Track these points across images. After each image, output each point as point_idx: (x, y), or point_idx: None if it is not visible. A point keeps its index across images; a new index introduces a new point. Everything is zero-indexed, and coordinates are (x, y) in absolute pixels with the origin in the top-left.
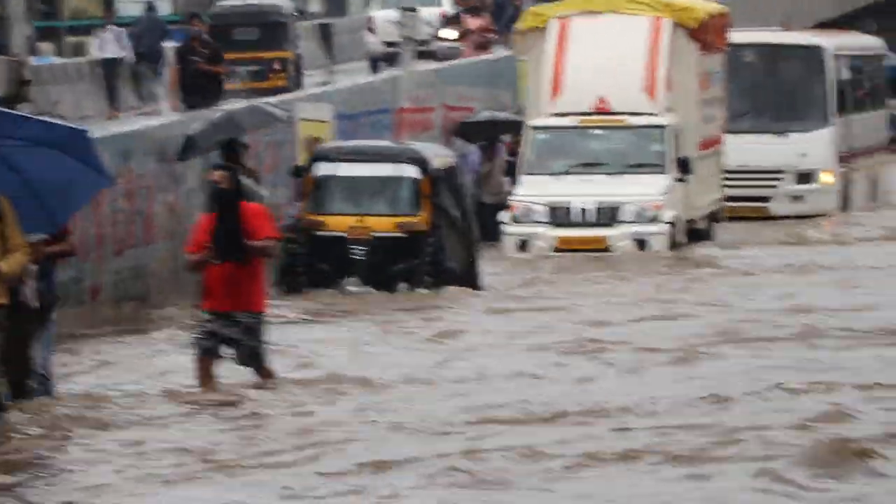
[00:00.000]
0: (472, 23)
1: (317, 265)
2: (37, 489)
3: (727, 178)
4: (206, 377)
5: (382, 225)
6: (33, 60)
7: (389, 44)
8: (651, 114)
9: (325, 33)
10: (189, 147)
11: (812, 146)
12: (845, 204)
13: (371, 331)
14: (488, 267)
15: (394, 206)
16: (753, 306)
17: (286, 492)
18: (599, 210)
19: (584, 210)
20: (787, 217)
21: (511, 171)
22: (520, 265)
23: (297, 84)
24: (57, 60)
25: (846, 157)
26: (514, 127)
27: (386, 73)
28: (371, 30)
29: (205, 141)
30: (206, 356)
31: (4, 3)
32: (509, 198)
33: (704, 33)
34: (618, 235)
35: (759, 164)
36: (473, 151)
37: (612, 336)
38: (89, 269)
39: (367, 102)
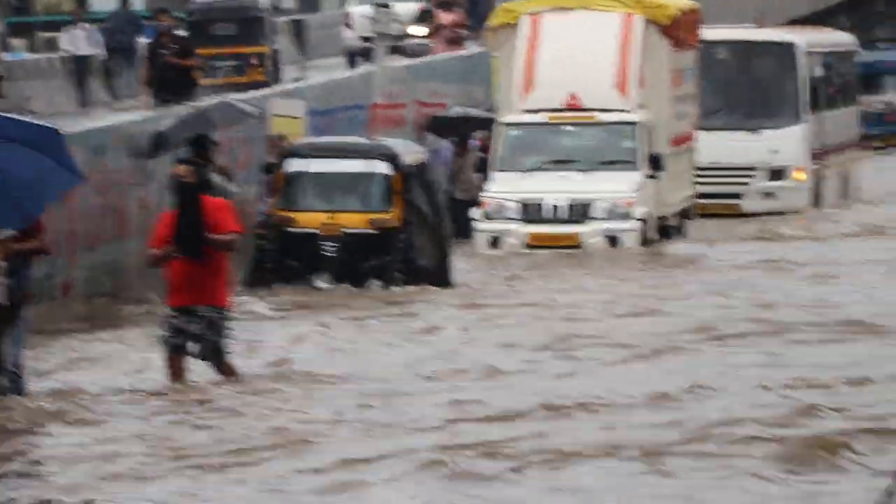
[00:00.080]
0: (445, 18)
1: (287, 262)
2: (9, 487)
3: (699, 175)
4: (176, 374)
5: (354, 221)
6: (5, 56)
7: (367, 39)
8: (623, 110)
9: (298, 29)
10: (159, 143)
11: (784, 143)
12: (817, 201)
13: (343, 327)
14: (460, 263)
15: (365, 203)
16: (725, 302)
17: (262, 487)
18: (571, 207)
19: (555, 207)
20: (759, 214)
21: (483, 168)
22: (491, 262)
23: (275, 79)
24: (29, 56)
25: (818, 154)
26: (486, 123)
27: (359, 69)
28: (348, 25)
29: (175, 137)
30: (175, 353)
31: None
32: (481, 194)
33: (676, 30)
34: (589, 232)
35: (731, 161)
36: (446, 147)
37: (584, 332)
38: (61, 264)
39: (339, 98)
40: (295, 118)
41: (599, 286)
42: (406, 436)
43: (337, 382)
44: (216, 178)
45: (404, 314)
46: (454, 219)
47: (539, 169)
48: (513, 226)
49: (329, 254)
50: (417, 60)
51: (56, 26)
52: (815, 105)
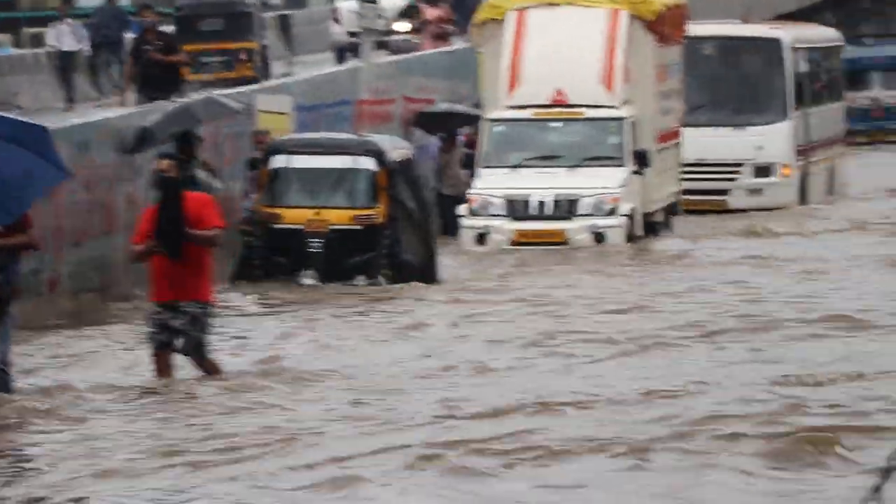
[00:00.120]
0: (430, 13)
1: (273, 258)
2: None
3: (685, 171)
4: (163, 370)
5: (339, 217)
6: None
7: (354, 34)
8: (608, 106)
9: (285, 25)
10: (143, 139)
11: (770, 139)
12: (803, 197)
13: (330, 324)
14: (446, 260)
15: (350, 199)
16: (713, 298)
17: (252, 484)
18: (557, 203)
19: (541, 203)
20: (746, 210)
21: (469, 164)
22: (477, 258)
23: (264, 74)
24: (15, 52)
25: (804, 150)
26: (473, 119)
27: (346, 65)
28: (336, 20)
29: (159, 133)
30: (161, 350)
31: None
32: (467, 191)
33: (662, 25)
34: (575, 228)
35: (717, 157)
36: (434, 143)
37: (572, 328)
38: (47, 260)
39: (326, 94)
40: (282, 114)
41: (587, 282)
42: (396, 432)
43: (325, 379)
44: (200, 174)
45: (391, 311)
46: (441, 215)
47: (525, 165)
48: (499, 222)
49: (315, 250)
50: (404, 56)
51: (42, 22)
52: (801, 101)
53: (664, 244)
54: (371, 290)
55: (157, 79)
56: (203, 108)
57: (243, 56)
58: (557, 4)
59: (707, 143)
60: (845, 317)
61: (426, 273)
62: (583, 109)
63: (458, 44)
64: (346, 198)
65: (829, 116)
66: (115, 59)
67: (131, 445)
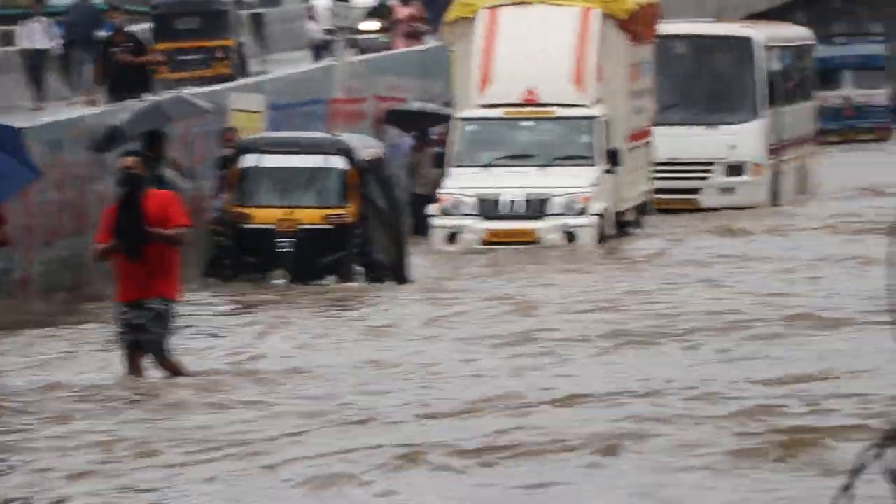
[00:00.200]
0: (402, 12)
1: (243, 258)
2: None
3: (657, 170)
4: (136, 370)
5: (309, 217)
6: None
7: (331, 32)
8: (580, 105)
9: (258, 23)
10: (112, 137)
11: (742, 138)
12: (775, 196)
13: (301, 324)
14: (417, 259)
15: (321, 198)
16: (683, 297)
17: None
18: (528, 202)
19: (512, 202)
20: (718, 209)
21: (440, 163)
22: (448, 258)
23: (241, 72)
24: None
25: (776, 149)
26: (444, 118)
27: (318, 64)
28: (312, 18)
29: (128, 131)
30: (131, 349)
31: None
32: (438, 190)
33: (634, 24)
34: (546, 228)
35: (689, 156)
36: (407, 142)
37: (543, 327)
38: (18, 260)
39: (299, 93)
40: (255, 112)
41: (559, 281)
42: (373, 432)
43: (299, 379)
44: (169, 173)
45: (362, 310)
46: (414, 214)
47: (496, 164)
48: (469, 221)
49: (285, 250)
50: (376, 55)
51: (13, 20)
52: (773, 100)
53: (637, 243)
54: (342, 289)
55: (126, 80)
56: (173, 106)
57: (220, 54)
58: (529, 3)
59: (679, 141)
60: (816, 316)
61: (397, 272)
62: (554, 108)
63: (430, 42)
64: (316, 197)
65: (800, 115)
66: (88, 57)
67: (106, 446)
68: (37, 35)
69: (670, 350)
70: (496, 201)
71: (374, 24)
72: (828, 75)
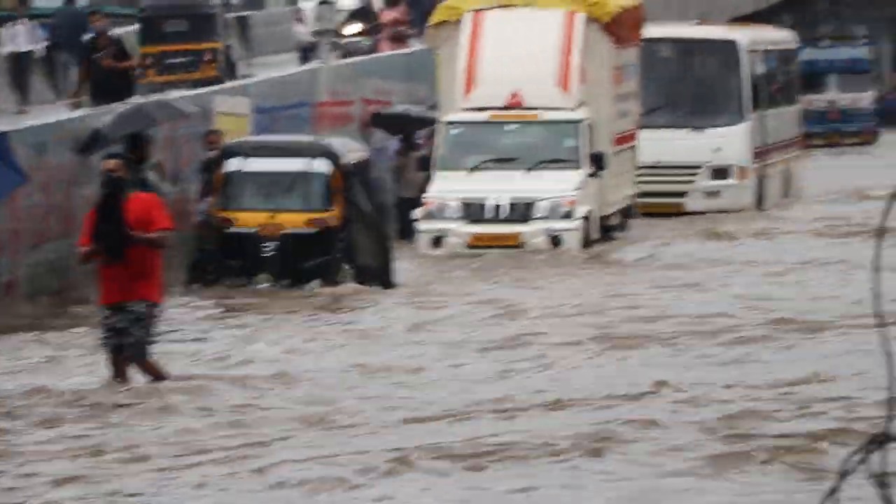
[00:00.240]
0: (386, 16)
1: (227, 262)
2: None
3: (642, 174)
4: (120, 374)
5: (293, 221)
6: None
7: (319, 34)
8: (564, 108)
9: (244, 26)
10: (95, 140)
11: (727, 141)
12: (760, 200)
13: (286, 328)
14: (402, 263)
15: (305, 202)
16: (669, 301)
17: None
18: (513, 206)
19: (497, 206)
20: (703, 213)
21: (426, 166)
22: (433, 262)
23: (229, 74)
24: None
25: (761, 153)
26: (428, 122)
27: (304, 67)
28: (300, 20)
29: (111, 134)
30: (115, 353)
31: None
32: (423, 194)
33: (618, 27)
34: (531, 232)
35: (674, 160)
36: (393, 145)
37: (529, 331)
38: (5, 263)
39: (285, 96)
40: (240, 116)
41: (545, 284)
42: (362, 436)
43: (285, 383)
44: (152, 176)
45: (347, 314)
46: (399, 218)
47: (481, 168)
48: (454, 225)
49: (269, 254)
50: (362, 58)
51: None
52: (758, 103)
53: (622, 247)
54: (328, 293)
55: (109, 85)
56: (156, 109)
57: (208, 57)
58: (514, 6)
59: (664, 145)
60: (802, 320)
61: (382, 276)
62: (539, 112)
63: (415, 46)
64: (300, 201)
65: (785, 119)
66: (73, 61)
67: (93, 451)
68: (20, 38)
69: (656, 354)
70: (481, 205)
71: (355, 27)
72: (813, 79)
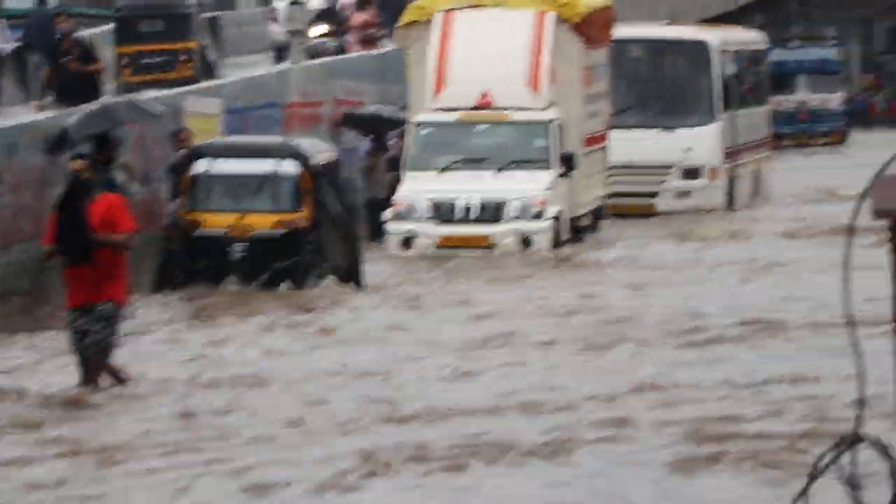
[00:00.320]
0: (356, 18)
1: (195, 264)
2: None
3: (613, 174)
4: (90, 377)
5: (262, 222)
6: None
7: (293, 33)
8: (535, 109)
9: (214, 26)
10: (62, 140)
11: (698, 142)
12: (731, 200)
13: (256, 330)
14: (371, 265)
15: (274, 203)
16: (640, 301)
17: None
18: (483, 207)
19: (467, 207)
20: (674, 213)
21: (396, 167)
22: (402, 263)
23: (205, 74)
24: None
25: (731, 153)
26: (401, 122)
27: (274, 67)
28: (275, 19)
29: (77, 134)
30: (84, 355)
31: None
32: (393, 194)
33: (588, 27)
34: (501, 232)
35: (645, 160)
36: (364, 145)
37: (499, 331)
38: None
39: (256, 96)
40: (211, 116)
41: (515, 285)
42: (337, 438)
43: (256, 386)
44: (120, 177)
45: (317, 316)
46: (370, 218)
47: (451, 168)
48: (424, 226)
49: (237, 256)
50: (334, 58)
51: None
52: (728, 104)
53: (592, 248)
54: (295, 295)
55: (75, 87)
56: (123, 110)
57: (183, 57)
58: (484, 6)
59: (635, 145)
60: (774, 320)
61: (351, 277)
62: (509, 112)
63: (387, 47)
64: (269, 202)
65: (755, 119)
66: (45, 62)
67: (61, 455)
68: None
69: (628, 355)
70: (451, 206)
71: (321, 29)
72: (783, 79)
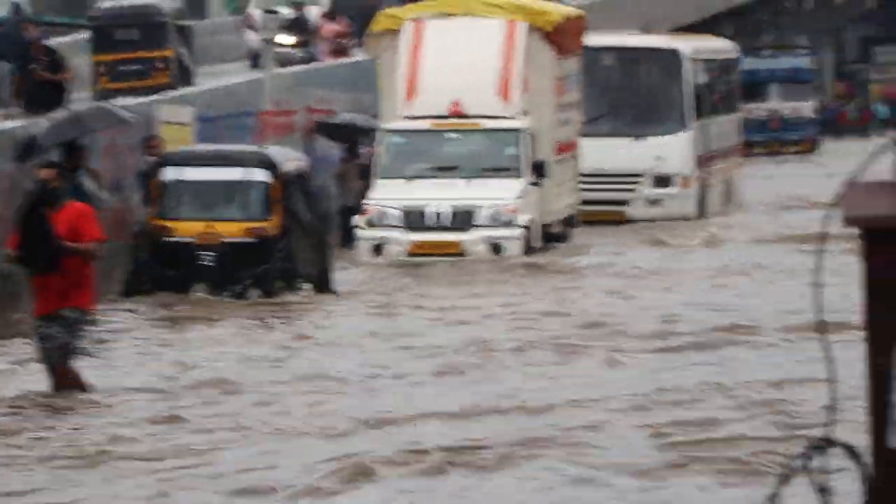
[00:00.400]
0: (327, 29)
1: (164, 271)
2: None
3: (584, 182)
4: (61, 384)
5: (232, 230)
6: None
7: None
8: (506, 117)
9: (187, 35)
10: (30, 147)
11: (670, 150)
12: (702, 208)
13: (227, 337)
14: (341, 272)
15: (244, 211)
16: (612, 308)
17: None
18: (454, 214)
19: (438, 214)
20: (645, 221)
21: (367, 175)
22: (373, 270)
23: (183, 81)
24: None
25: (703, 161)
26: (373, 130)
27: (247, 76)
28: (251, 27)
29: (46, 141)
30: (52, 363)
31: None
32: (363, 202)
33: (560, 36)
34: (472, 240)
35: (616, 168)
36: (336, 153)
37: (470, 337)
38: None
39: (228, 105)
40: (183, 125)
41: (485, 292)
42: (315, 442)
43: (230, 391)
44: (88, 184)
45: (287, 323)
46: (342, 226)
47: (422, 176)
48: (395, 233)
49: (207, 263)
50: (307, 67)
51: None
52: (700, 112)
53: (563, 255)
54: (265, 302)
55: (42, 96)
56: (93, 117)
57: (160, 64)
58: (454, 15)
59: (606, 153)
60: (745, 326)
61: (321, 284)
62: (480, 120)
63: (359, 57)
64: (239, 210)
65: (727, 127)
66: (15, 70)
67: (36, 462)
68: None
69: (601, 360)
70: (422, 213)
71: (289, 38)
72: (755, 88)
